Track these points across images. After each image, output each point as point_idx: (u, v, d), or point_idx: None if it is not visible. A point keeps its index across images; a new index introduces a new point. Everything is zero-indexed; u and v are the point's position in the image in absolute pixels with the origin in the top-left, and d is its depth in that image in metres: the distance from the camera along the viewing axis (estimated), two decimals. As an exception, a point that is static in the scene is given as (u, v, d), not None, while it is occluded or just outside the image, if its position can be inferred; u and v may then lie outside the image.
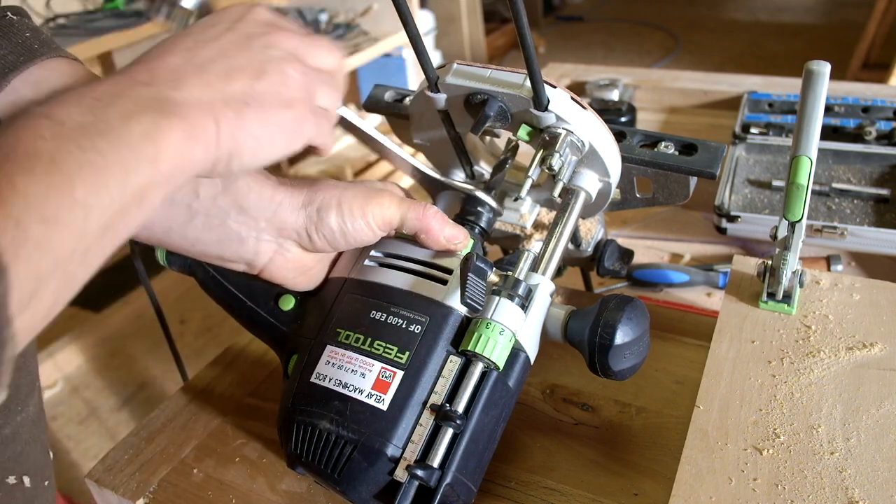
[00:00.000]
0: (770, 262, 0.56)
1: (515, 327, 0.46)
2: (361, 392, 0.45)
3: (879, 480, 0.43)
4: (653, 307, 0.67)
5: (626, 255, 0.66)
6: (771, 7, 4.46)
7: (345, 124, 0.51)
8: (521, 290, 0.46)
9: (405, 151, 0.55)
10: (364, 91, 2.82)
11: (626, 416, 0.57)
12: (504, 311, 0.46)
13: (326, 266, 0.53)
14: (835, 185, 0.84)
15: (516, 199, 0.60)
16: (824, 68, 0.45)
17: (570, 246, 0.64)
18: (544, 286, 0.49)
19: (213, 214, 0.46)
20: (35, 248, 0.27)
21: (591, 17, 4.54)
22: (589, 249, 0.64)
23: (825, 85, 0.45)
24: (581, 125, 0.50)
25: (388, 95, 0.63)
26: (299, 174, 2.46)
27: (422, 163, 0.57)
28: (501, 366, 0.46)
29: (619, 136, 0.55)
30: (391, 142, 0.53)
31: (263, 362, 0.68)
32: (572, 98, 0.50)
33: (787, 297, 0.56)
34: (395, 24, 2.51)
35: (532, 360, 0.49)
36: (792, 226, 0.52)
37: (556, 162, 0.49)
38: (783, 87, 1.10)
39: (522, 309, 0.47)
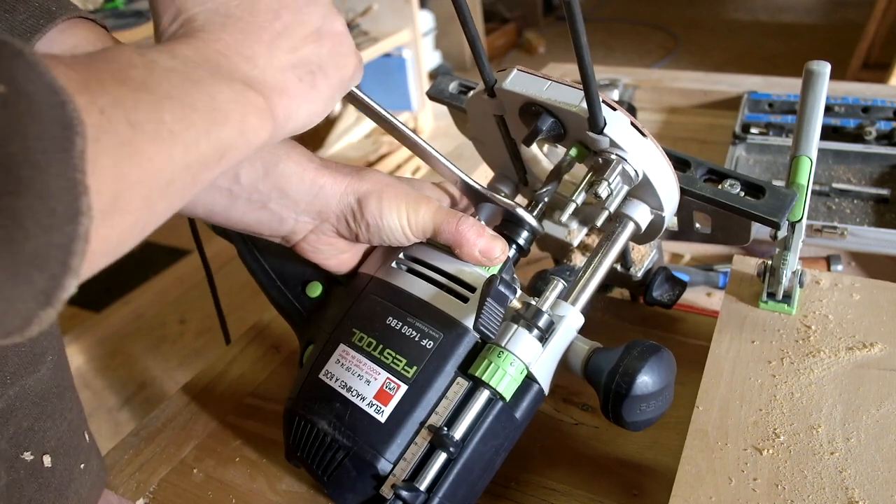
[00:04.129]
0: (770, 262, 0.56)
1: (529, 360, 0.44)
2: (363, 399, 0.45)
3: (879, 480, 0.43)
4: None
5: (677, 285, 0.62)
6: (771, 7, 4.46)
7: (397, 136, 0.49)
8: (541, 322, 0.44)
9: (449, 162, 0.51)
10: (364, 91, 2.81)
11: (626, 416, 0.57)
12: (519, 341, 0.44)
13: (359, 256, 0.52)
14: (835, 185, 0.84)
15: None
16: (824, 68, 0.45)
17: (620, 269, 0.62)
18: (571, 318, 0.46)
19: (255, 199, 0.46)
20: (119, 145, 0.25)
21: (591, 17, 4.53)
22: (639, 274, 0.62)
23: (825, 85, 0.45)
24: (637, 153, 0.46)
25: (453, 86, 0.61)
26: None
27: (465, 171, 0.52)
28: (508, 398, 0.44)
29: (683, 166, 0.51)
30: (436, 151, 0.49)
31: (266, 359, 0.68)
32: (632, 123, 0.46)
33: (787, 297, 0.56)
34: (396, 24, 2.52)
35: (546, 392, 0.46)
36: (792, 226, 0.52)
37: (603, 190, 0.46)
38: (783, 87, 1.10)
39: (541, 342, 0.44)
